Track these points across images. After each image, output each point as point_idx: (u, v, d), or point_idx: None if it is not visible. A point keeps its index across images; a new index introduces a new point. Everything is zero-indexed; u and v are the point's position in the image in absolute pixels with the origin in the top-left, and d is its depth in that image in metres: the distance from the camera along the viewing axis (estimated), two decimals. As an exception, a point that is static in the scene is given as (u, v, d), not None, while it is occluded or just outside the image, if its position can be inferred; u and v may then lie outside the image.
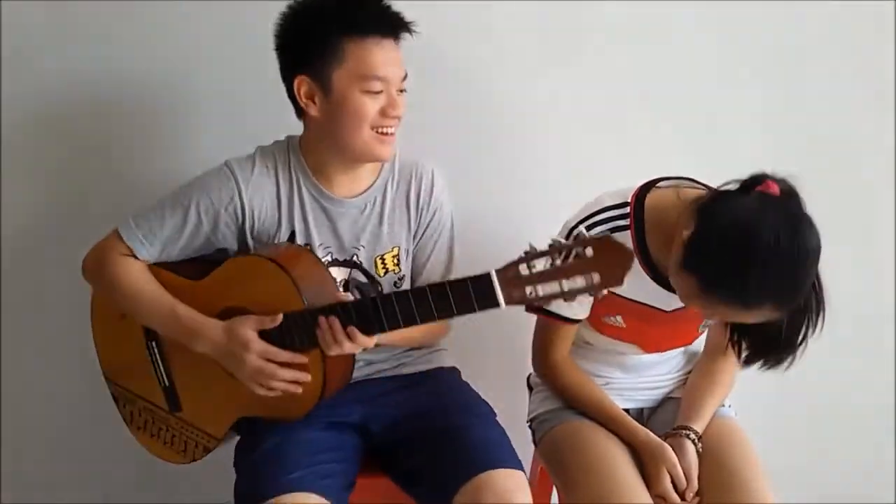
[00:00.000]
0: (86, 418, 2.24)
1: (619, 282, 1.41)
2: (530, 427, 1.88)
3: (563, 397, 1.80)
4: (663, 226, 1.58)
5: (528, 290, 1.44)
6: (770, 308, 1.45)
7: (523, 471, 1.61)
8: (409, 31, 1.67)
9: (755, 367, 1.58)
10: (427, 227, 1.79)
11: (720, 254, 1.44)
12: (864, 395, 2.28)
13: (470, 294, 1.47)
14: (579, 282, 1.42)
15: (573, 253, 1.41)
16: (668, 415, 1.78)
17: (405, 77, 1.68)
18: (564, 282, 1.42)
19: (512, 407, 1.92)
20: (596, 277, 1.41)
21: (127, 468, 2.25)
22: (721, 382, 1.76)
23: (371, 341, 1.57)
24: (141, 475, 2.25)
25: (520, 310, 1.58)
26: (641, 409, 1.83)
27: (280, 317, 1.58)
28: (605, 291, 1.41)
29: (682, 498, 1.65)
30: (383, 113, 1.64)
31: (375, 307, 1.53)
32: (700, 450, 1.67)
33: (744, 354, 1.60)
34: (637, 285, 1.60)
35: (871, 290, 2.23)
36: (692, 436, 1.68)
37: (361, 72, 1.62)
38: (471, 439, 1.63)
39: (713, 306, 1.49)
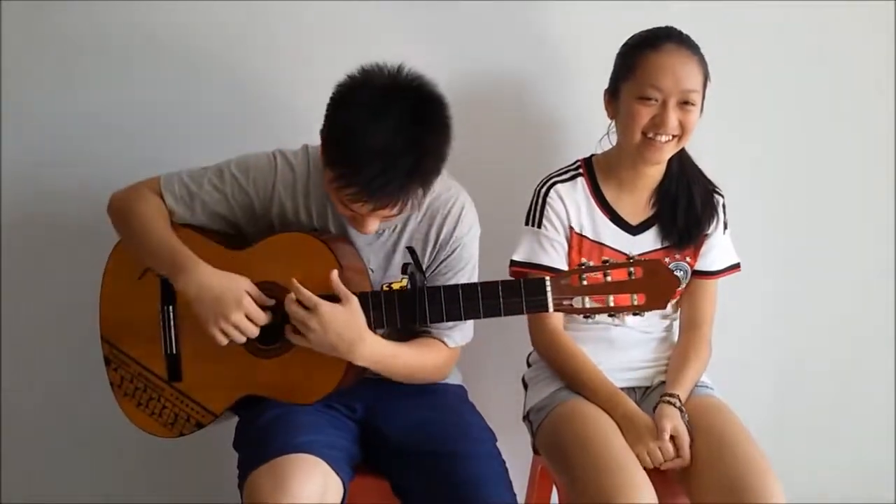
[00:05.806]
0: (86, 418, 2.19)
1: (663, 305, 1.55)
2: (527, 422, 1.93)
3: (560, 370, 1.87)
4: (612, 166, 1.88)
5: (577, 300, 1.55)
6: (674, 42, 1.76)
7: None
8: None
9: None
10: (441, 264, 1.75)
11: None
12: (865, 394, 2.34)
13: (521, 295, 1.57)
14: (625, 300, 1.55)
15: (625, 272, 1.54)
16: (658, 395, 1.89)
17: None
18: (611, 297, 1.55)
19: (511, 407, 1.98)
20: (641, 298, 1.54)
21: (128, 468, 2.22)
22: (697, 354, 1.89)
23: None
24: (141, 475, 2.21)
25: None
26: (634, 389, 1.91)
27: (272, 301, 1.64)
28: (645, 315, 1.53)
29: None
30: None
31: (421, 298, 1.60)
32: (683, 409, 1.77)
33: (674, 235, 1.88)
34: (601, 229, 1.87)
35: (870, 289, 2.30)
36: (673, 400, 1.78)
37: None
38: (467, 473, 1.60)
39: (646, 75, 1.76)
